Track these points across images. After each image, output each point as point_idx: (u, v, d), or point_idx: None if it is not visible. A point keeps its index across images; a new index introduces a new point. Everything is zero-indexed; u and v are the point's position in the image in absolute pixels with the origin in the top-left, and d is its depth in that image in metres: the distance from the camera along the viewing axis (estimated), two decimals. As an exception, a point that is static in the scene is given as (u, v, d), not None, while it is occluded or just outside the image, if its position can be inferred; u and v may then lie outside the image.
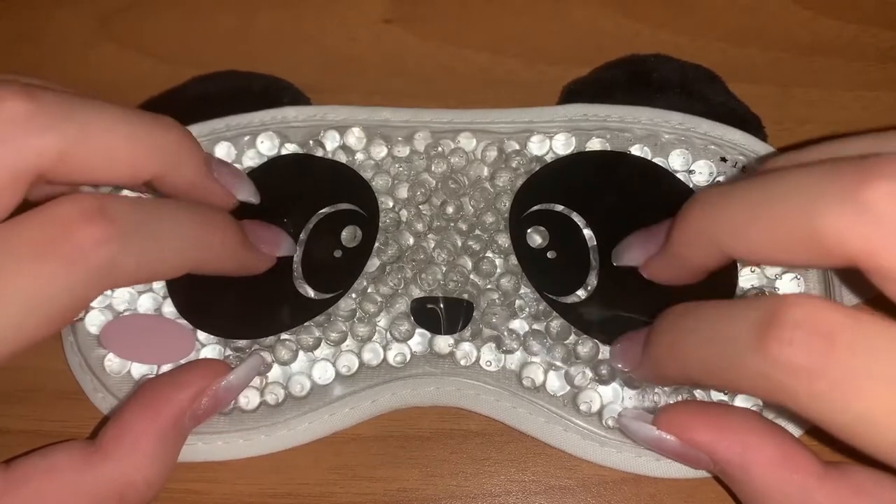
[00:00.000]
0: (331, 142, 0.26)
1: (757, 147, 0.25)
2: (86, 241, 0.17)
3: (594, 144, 0.25)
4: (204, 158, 0.21)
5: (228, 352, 0.24)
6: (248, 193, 0.24)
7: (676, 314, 0.20)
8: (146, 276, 0.19)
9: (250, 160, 0.26)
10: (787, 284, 0.24)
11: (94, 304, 0.25)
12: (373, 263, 0.25)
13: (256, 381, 0.24)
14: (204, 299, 0.24)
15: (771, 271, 0.24)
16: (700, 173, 0.25)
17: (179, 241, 0.20)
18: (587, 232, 0.24)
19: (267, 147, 0.26)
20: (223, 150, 0.26)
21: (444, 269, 0.24)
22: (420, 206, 0.25)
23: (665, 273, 0.22)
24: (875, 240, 0.15)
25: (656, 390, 0.23)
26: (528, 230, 0.24)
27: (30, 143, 0.17)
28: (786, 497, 0.18)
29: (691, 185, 0.25)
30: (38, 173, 0.17)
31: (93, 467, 0.20)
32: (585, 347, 0.23)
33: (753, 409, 0.22)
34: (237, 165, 0.26)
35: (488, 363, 0.24)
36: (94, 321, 0.24)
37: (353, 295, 0.24)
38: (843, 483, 0.18)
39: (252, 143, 0.26)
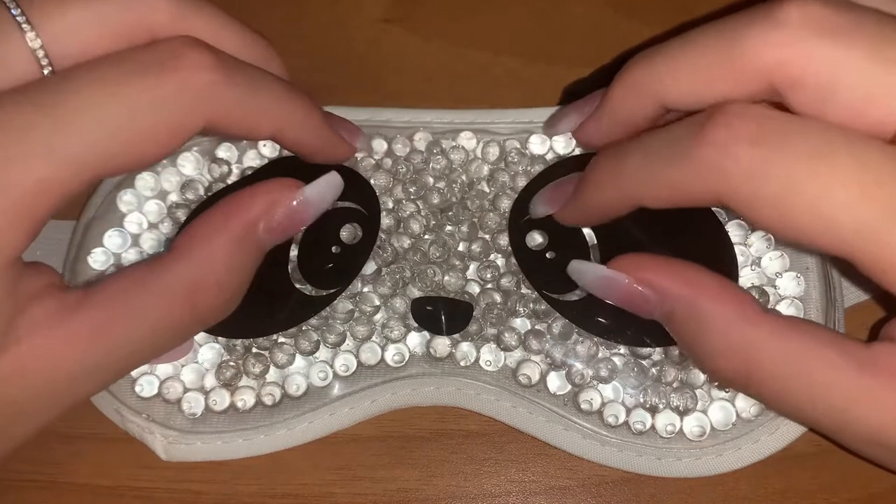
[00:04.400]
0: (331, 142, 0.26)
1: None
2: (193, 63, 0.18)
3: (594, 144, 0.25)
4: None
5: (225, 355, 0.24)
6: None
7: (615, 145, 0.21)
8: (243, 123, 0.20)
9: (251, 161, 0.26)
10: (788, 283, 0.24)
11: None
12: (372, 263, 0.25)
13: (253, 382, 0.24)
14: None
15: (771, 269, 0.24)
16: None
17: (275, 96, 0.21)
18: (587, 231, 0.24)
19: (269, 149, 0.26)
20: (224, 152, 0.26)
21: (444, 269, 0.24)
22: (420, 206, 0.25)
23: (598, 133, 0.23)
24: (786, 48, 0.17)
25: (660, 389, 0.23)
26: (529, 230, 0.24)
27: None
28: (729, 326, 0.19)
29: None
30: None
31: (164, 266, 0.19)
32: (585, 346, 0.23)
33: None
34: (238, 166, 0.26)
35: (488, 363, 0.24)
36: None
37: (352, 295, 0.24)
38: (780, 317, 0.19)
39: (253, 144, 0.26)
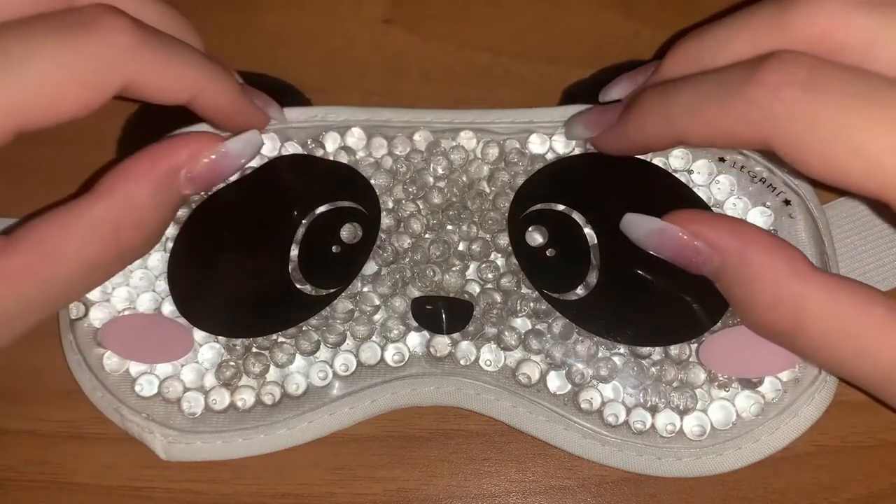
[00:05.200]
0: (331, 142, 0.26)
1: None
2: (113, 25, 0.19)
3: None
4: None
5: (226, 354, 0.24)
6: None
7: (664, 82, 0.21)
8: (160, 85, 0.21)
9: (251, 161, 0.26)
10: None
11: (93, 299, 0.25)
12: (372, 263, 0.25)
13: (253, 381, 0.24)
14: (203, 298, 0.24)
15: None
16: (699, 173, 0.25)
17: (192, 62, 0.21)
18: (587, 230, 0.24)
19: (268, 148, 0.26)
20: (223, 150, 0.26)
21: (444, 268, 0.24)
22: (420, 206, 0.25)
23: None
24: (830, 17, 0.19)
25: (660, 388, 0.23)
26: (528, 229, 0.24)
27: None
28: (779, 279, 0.20)
29: (691, 186, 0.25)
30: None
31: (87, 205, 0.20)
32: (585, 346, 0.23)
33: None
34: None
35: (488, 363, 0.24)
36: (94, 318, 0.24)
37: (352, 295, 0.24)
38: (831, 274, 0.20)
39: (252, 142, 0.26)
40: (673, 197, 0.24)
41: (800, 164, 0.18)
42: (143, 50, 0.20)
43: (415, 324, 0.24)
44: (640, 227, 0.22)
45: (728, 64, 0.20)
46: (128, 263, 0.22)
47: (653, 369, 0.23)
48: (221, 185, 0.25)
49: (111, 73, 0.19)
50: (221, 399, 0.24)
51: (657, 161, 0.25)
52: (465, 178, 0.25)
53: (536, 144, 0.25)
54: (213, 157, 0.22)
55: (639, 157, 0.25)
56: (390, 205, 0.25)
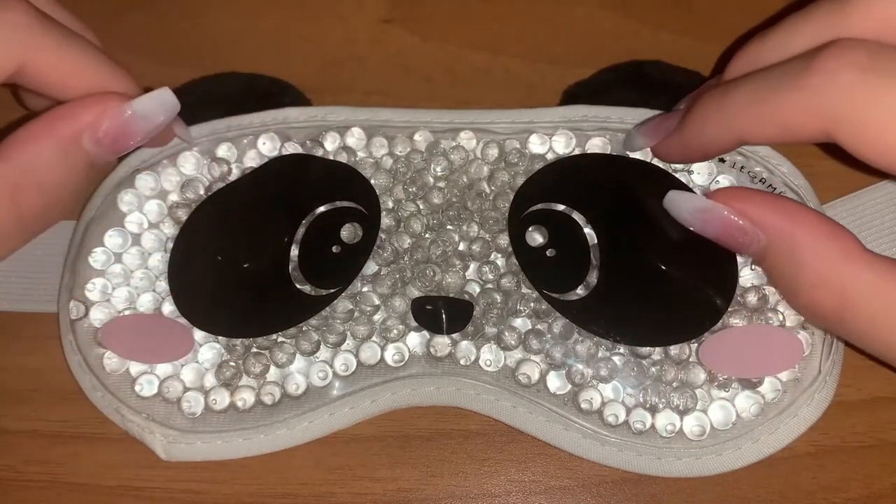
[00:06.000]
0: (331, 142, 0.26)
1: (755, 147, 0.25)
2: (10, 5, 0.19)
3: (594, 144, 0.25)
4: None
5: (226, 354, 0.24)
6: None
7: (721, 84, 0.21)
8: (56, 75, 0.20)
9: (251, 161, 0.26)
10: None
11: (93, 299, 0.25)
12: (372, 263, 0.25)
13: (253, 381, 0.24)
14: (203, 298, 0.24)
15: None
16: (699, 173, 0.25)
17: (91, 58, 0.21)
18: (587, 230, 0.24)
19: (268, 148, 0.26)
20: (225, 151, 0.26)
21: (444, 268, 0.24)
22: (420, 206, 0.25)
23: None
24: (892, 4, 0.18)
25: (660, 388, 0.23)
26: (529, 229, 0.24)
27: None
28: (827, 259, 0.19)
29: (691, 186, 0.25)
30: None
31: None
32: (585, 346, 0.23)
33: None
34: (238, 165, 0.26)
35: (488, 363, 0.24)
36: (94, 318, 0.24)
37: (352, 295, 0.24)
38: (881, 257, 0.19)
39: (253, 143, 0.26)
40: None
41: (862, 154, 0.18)
42: (41, 33, 0.19)
43: (415, 324, 0.24)
44: (684, 205, 0.22)
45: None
46: (33, 232, 0.21)
47: (653, 369, 0.23)
48: (221, 185, 0.25)
49: (7, 49, 0.19)
50: (221, 399, 0.24)
51: (656, 162, 0.25)
52: (465, 179, 0.25)
53: (536, 144, 0.25)
54: (120, 116, 0.21)
55: (638, 158, 0.25)
56: (390, 205, 0.25)
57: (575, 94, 0.27)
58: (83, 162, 0.21)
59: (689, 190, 0.24)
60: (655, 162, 0.25)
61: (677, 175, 0.25)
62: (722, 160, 0.25)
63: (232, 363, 0.24)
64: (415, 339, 0.24)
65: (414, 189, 0.25)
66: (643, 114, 0.25)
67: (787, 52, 0.20)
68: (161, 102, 0.22)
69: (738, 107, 0.20)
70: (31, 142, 0.20)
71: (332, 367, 0.24)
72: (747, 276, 0.24)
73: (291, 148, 0.26)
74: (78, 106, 0.21)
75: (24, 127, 0.20)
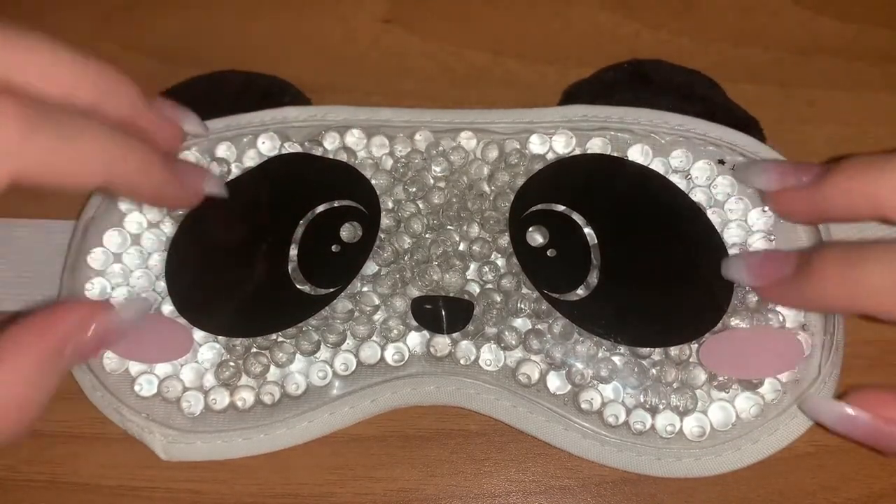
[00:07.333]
0: (331, 142, 0.26)
1: (756, 148, 0.25)
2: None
3: (595, 144, 0.25)
4: (138, 89, 0.21)
5: (225, 354, 0.24)
6: (194, 124, 0.23)
7: (844, 246, 0.20)
8: (59, 175, 0.18)
9: (251, 160, 0.26)
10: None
11: (93, 299, 0.25)
12: (372, 263, 0.25)
13: (252, 381, 0.24)
14: (203, 298, 0.24)
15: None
16: (699, 174, 0.25)
17: (98, 145, 0.19)
18: (588, 231, 0.24)
19: (268, 147, 0.26)
20: (224, 150, 0.26)
21: (444, 268, 0.24)
22: (420, 206, 0.25)
23: (800, 211, 0.22)
24: None
25: (660, 389, 0.23)
26: (529, 229, 0.24)
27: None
28: None
29: (690, 187, 0.25)
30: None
31: None
32: (585, 346, 0.23)
33: None
34: (237, 165, 0.26)
35: (488, 363, 0.24)
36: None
37: (352, 295, 0.24)
38: None
39: (253, 143, 0.26)
40: (671, 199, 0.24)
41: None
42: (29, 142, 0.17)
43: (415, 323, 0.24)
44: (827, 413, 0.21)
45: None
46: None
47: (653, 370, 0.23)
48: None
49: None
50: (221, 399, 0.24)
51: (657, 162, 0.25)
52: (465, 179, 0.25)
53: (536, 145, 0.25)
54: (104, 328, 0.20)
55: (639, 161, 0.25)
56: (390, 205, 0.25)
57: (575, 94, 0.27)
58: (59, 374, 0.20)
59: (684, 194, 0.24)
60: (656, 161, 0.25)
61: (677, 175, 0.25)
62: (721, 162, 0.25)
63: (232, 363, 0.24)
64: (415, 339, 0.24)
65: (414, 189, 0.25)
66: (643, 114, 0.25)
67: None
68: (142, 312, 0.22)
69: (868, 290, 0.19)
70: (12, 354, 0.19)
71: (332, 366, 0.24)
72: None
73: (291, 147, 0.26)
74: (62, 317, 0.20)
75: (5, 337, 0.19)
